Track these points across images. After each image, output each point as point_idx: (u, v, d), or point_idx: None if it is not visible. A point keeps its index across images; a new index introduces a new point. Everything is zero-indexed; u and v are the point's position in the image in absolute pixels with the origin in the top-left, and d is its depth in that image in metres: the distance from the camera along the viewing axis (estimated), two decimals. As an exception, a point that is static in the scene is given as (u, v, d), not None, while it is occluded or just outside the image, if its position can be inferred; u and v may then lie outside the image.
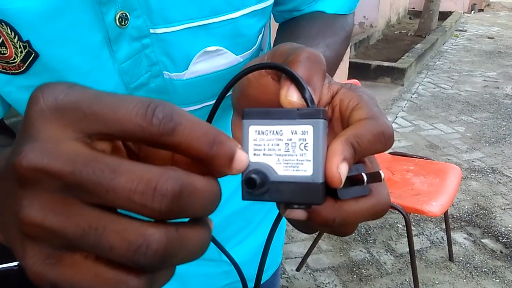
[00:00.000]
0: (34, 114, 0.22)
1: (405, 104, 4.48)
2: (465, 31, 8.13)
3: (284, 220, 0.84)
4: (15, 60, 0.41)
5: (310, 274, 2.23)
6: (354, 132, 0.28)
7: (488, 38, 7.55)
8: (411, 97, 4.69)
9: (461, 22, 8.76)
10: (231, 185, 0.62)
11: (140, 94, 0.47)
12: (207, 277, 0.70)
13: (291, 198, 0.26)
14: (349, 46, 5.07)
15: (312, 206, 0.28)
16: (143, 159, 0.27)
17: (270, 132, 0.27)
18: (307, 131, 0.26)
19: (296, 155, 0.26)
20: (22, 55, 0.41)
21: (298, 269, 2.25)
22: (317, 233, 2.18)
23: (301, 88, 0.28)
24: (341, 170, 0.26)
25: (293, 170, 0.26)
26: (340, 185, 0.26)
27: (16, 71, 0.42)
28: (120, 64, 0.45)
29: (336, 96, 0.32)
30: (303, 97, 0.28)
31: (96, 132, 0.22)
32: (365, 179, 0.28)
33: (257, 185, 0.26)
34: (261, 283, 0.77)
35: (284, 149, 0.27)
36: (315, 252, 2.32)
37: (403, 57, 5.27)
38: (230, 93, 0.35)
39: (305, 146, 0.26)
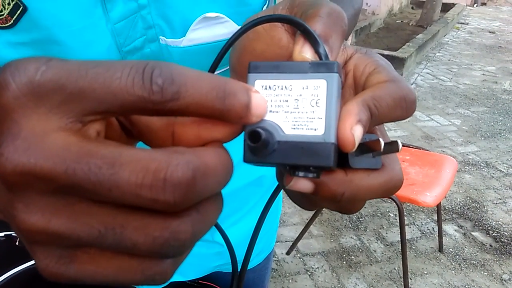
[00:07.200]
0: (7, 103, 0.18)
1: (403, 94, 4.45)
2: (467, 24, 8.08)
3: (279, 205, 0.82)
4: (3, 13, 0.38)
5: (299, 258, 2.23)
6: (373, 94, 0.25)
7: (490, 32, 7.51)
8: (409, 87, 4.66)
9: (463, 15, 8.70)
10: None
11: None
12: (199, 258, 0.68)
13: (298, 160, 0.23)
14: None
15: (321, 177, 0.25)
16: (139, 133, 0.24)
17: (278, 87, 0.24)
18: (319, 86, 0.23)
19: (307, 113, 0.23)
20: (10, 7, 0.38)
21: (288, 253, 2.25)
22: (308, 218, 2.18)
23: (314, 43, 0.25)
24: (355, 132, 0.23)
25: (303, 128, 0.23)
26: (353, 149, 0.23)
27: (4, 25, 0.39)
28: (114, 24, 0.42)
29: (350, 61, 0.29)
30: (317, 52, 0.25)
31: (89, 112, 0.19)
32: (383, 145, 0.24)
33: (261, 139, 0.23)
34: (254, 266, 0.76)
35: (293, 105, 0.24)
36: (306, 236, 2.32)
37: (403, 47, 5.24)
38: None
39: (316, 103, 0.23)
